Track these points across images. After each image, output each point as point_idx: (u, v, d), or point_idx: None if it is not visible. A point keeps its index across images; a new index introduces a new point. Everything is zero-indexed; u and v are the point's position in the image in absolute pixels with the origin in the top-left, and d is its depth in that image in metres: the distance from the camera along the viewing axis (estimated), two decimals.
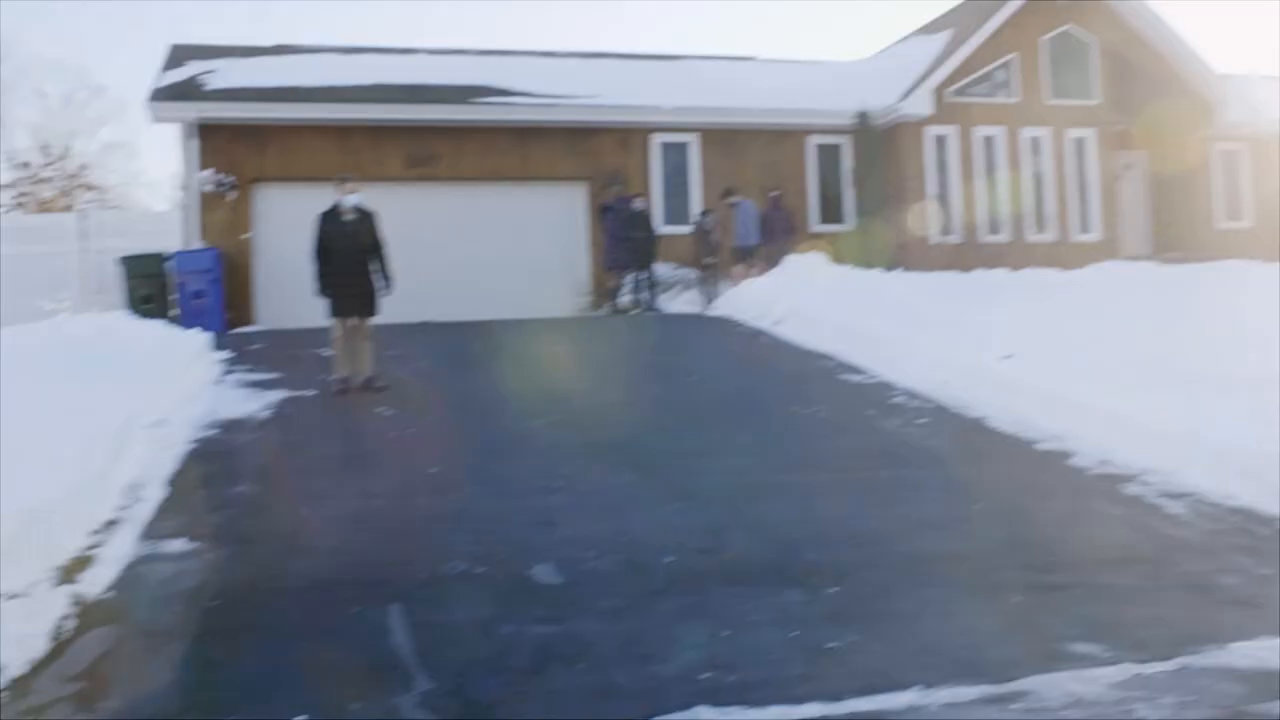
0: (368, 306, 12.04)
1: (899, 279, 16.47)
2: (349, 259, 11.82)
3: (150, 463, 8.97)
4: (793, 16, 69.67)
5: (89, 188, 42.53)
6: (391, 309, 18.40)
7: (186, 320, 17.99)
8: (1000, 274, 17.31)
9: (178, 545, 7.05)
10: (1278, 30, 60.27)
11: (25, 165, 41.57)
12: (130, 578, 6.53)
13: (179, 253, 18.58)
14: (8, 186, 40.84)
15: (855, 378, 12.30)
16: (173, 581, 6.44)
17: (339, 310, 11.93)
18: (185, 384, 12.03)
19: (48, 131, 42.57)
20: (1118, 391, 9.67)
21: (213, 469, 8.97)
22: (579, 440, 9.76)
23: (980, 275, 17.40)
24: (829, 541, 6.96)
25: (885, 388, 11.74)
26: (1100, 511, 7.59)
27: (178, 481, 8.56)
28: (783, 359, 13.61)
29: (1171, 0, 54.73)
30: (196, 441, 9.80)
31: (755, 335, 15.35)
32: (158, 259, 18.46)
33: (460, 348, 14.71)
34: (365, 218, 12.01)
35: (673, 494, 8.08)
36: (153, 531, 7.32)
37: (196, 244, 19.01)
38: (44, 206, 37.83)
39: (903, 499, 7.91)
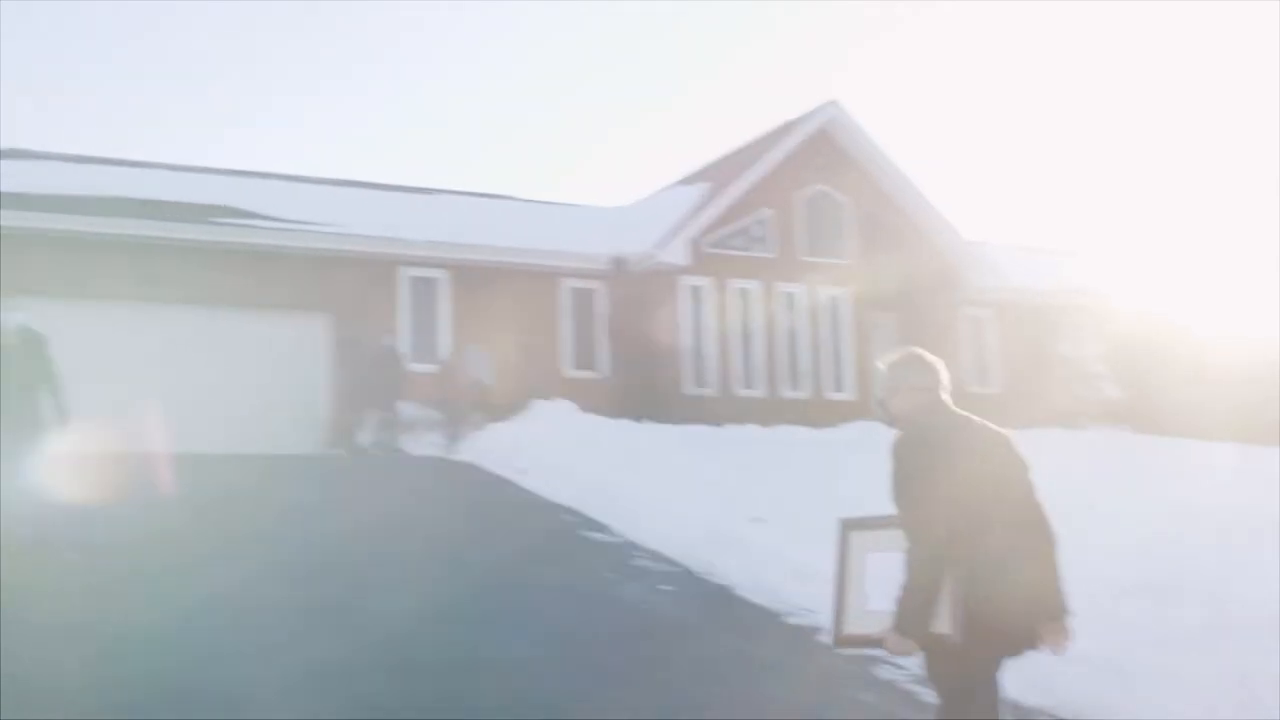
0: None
1: (650, 431, 15.91)
2: (14, 393, 9.63)
3: None
4: (554, 160, 70.51)
5: None
6: (111, 436, 16.97)
7: None
8: (753, 429, 16.98)
9: None
10: (1020, 201, 64.18)
11: None
12: None
13: None
14: None
15: (598, 536, 11.51)
16: None
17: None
18: None
19: None
20: None
21: None
22: (288, 602, 8.59)
23: (733, 430, 17.02)
24: None
25: (629, 548, 10.98)
26: (852, 698, 6.91)
27: None
28: (523, 512, 12.73)
29: (924, 167, 57.91)
30: None
31: (497, 484, 14.47)
32: None
33: (175, 486, 13.25)
34: (32, 341, 9.88)
35: (382, 667, 7.04)
36: None
37: None
38: None
39: (637, 679, 7.07)
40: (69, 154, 22.38)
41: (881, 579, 4.32)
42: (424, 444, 18.58)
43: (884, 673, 7.40)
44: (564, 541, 11.30)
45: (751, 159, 22.45)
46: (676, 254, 20.92)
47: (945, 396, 4.48)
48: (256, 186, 21.78)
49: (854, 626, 4.45)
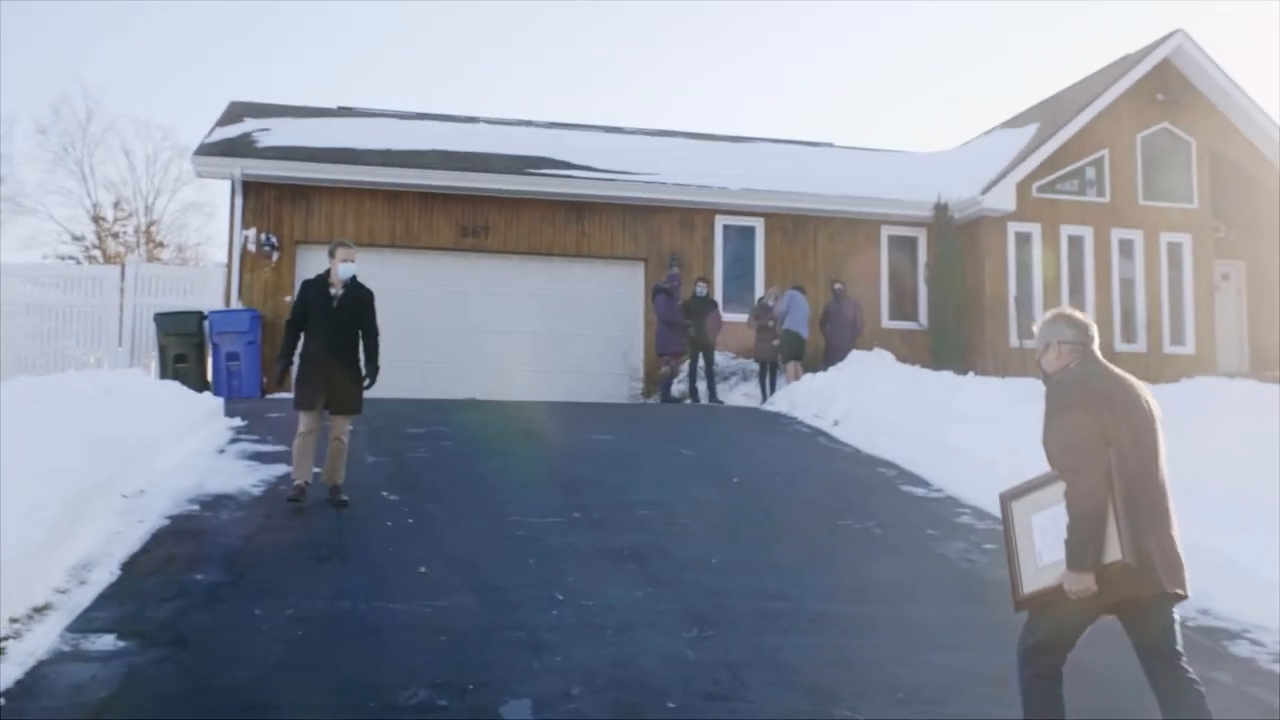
0: (347, 401, 9.55)
1: (973, 383, 15.12)
2: (332, 340, 9.49)
3: (110, 539, 8.14)
4: (874, 106, 69.07)
5: (159, 244, 42.63)
6: (432, 382, 17.77)
7: (219, 383, 17.16)
8: None
9: (103, 643, 6.11)
10: None
11: (99, 220, 41.78)
12: (32, 683, 5.57)
13: (214, 313, 17.72)
14: (79, 240, 41.05)
15: (918, 490, 11.03)
16: (78, 691, 5.47)
17: (307, 400, 9.46)
18: (181, 452, 11.11)
19: (130, 189, 42.94)
20: (1218, 528, 8.31)
21: (178, 550, 8.00)
22: (595, 545, 8.59)
23: None
24: (867, 695, 5.72)
25: (951, 503, 10.48)
26: (1205, 676, 6.23)
27: (134, 563, 7.68)
28: (839, 464, 12.36)
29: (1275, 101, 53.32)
30: (171, 517, 8.86)
31: (812, 435, 14.14)
32: (195, 317, 17.67)
33: (490, 429, 13.62)
34: (359, 294, 9.68)
35: (690, 618, 6.89)
36: (83, 623, 6.39)
37: (236, 304, 18.20)
38: (110, 261, 37.70)
39: (960, 643, 6.63)
40: (396, 110, 23.33)
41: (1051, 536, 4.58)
42: (737, 394, 18.43)
43: (1240, 649, 6.71)
44: (881, 495, 10.88)
45: (1086, 97, 21.04)
46: (1002, 199, 19.90)
47: (1095, 350, 4.81)
48: (574, 138, 22.10)
49: (1030, 586, 4.67)
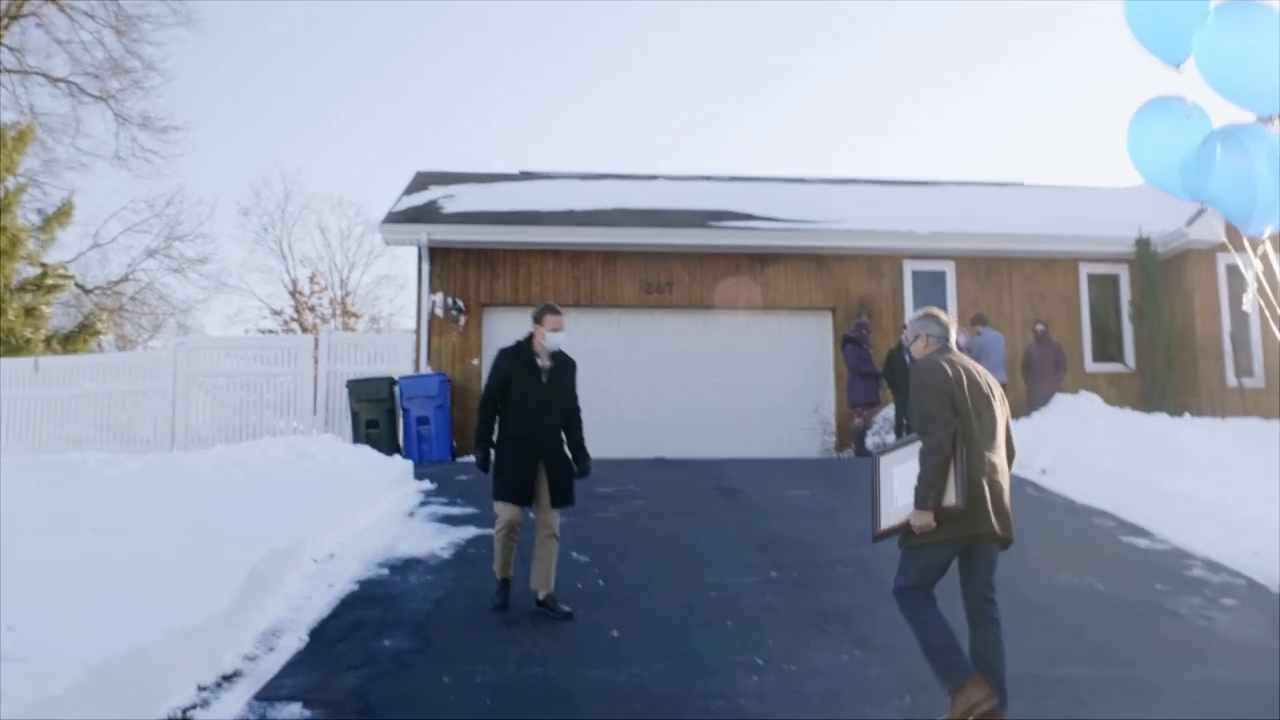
0: (562, 492, 8.13)
1: (1190, 425, 14.16)
2: (542, 420, 8.11)
3: (301, 604, 8.07)
4: (1065, 143, 67.17)
5: (353, 315, 43.88)
6: (619, 442, 17.52)
7: (409, 447, 17.28)
8: None
9: (289, 711, 6.00)
10: None
11: (296, 294, 43.23)
12: None
13: (404, 378, 17.88)
14: (278, 314, 42.53)
15: (1141, 542, 10.24)
16: None
17: (514, 493, 8.04)
18: (371, 515, 11.07)
19: (325, 263, 44.49)
20: None
21: (368, 616, 7.86)
22: (796, 606, 8.14)
23: None
24: None
25: (1179, 556, 9.67)
26: None
27: (323, 629, 7.57)
28: (1050, 515, 11.60)
29: None
30: (360, 582, 8.77)
31: (1018, 485, 13.10)
32: (387, 383, 17.87)
33: (681, 487, 13.28)
34: (567, 365, 8.35)
35: (903, 683, 6.38)
36: (271, 691, 6.28)
37: (425, 369, 18.35)
38: (307, 332, 38.88)
39: (1201, 709, 5.97)
40: (576, 172, 23.42)
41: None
42: None
43: None
44: (1101, 547, 10.12)
45: None
46: (1209, 230, 18.63)
47: (952, 344, 6.01)
48: (756, 190, 21.77)
49: (886, 523, 5.76)
